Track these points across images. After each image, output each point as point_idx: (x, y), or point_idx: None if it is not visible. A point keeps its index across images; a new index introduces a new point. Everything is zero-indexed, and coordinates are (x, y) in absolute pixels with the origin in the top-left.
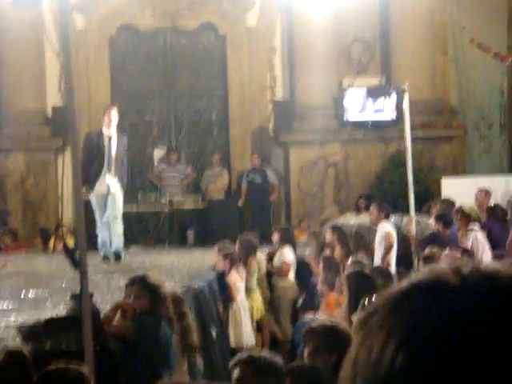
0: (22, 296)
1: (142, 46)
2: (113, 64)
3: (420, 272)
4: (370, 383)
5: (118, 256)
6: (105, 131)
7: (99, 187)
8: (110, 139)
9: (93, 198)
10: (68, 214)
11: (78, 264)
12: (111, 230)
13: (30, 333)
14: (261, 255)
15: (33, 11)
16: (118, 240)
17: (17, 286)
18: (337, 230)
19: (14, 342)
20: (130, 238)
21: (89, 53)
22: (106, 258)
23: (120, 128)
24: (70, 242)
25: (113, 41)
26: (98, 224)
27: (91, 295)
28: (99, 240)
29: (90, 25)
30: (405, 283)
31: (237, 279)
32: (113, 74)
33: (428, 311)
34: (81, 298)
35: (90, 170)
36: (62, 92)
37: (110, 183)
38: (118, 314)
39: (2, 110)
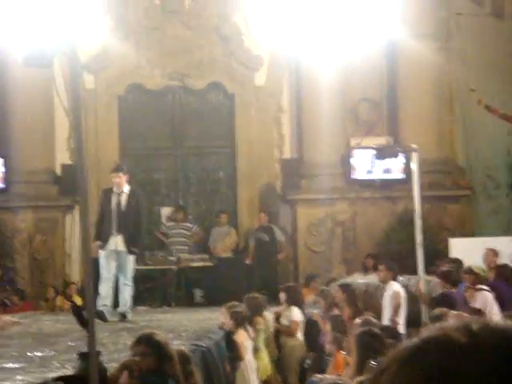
0: (29, 355)
1: (150, 105)
2: (122, 122)
3: (429, 329)
4: None
5: (123, 317)
6: (115, 189)
7: (108, 244)
8: (119, 196)
9: (101, 255)
10: (75, 272)
11: (85, 323)
12: (120, 290)
13: None
14: (268, 314)
15: (44, 71)
16: (125, 301)
17: (24, 345)
18: (346, 288)
19: None
20: (136, 297)
21: (98, 111)
22: (99, 313)
23: (132, 185)
24: (78, 301)
25: (122, 100)
26: (101, 280)
27: (98, 354)
28: (98, 296)
29: (99, 84)
30: (414, 340)
31: (244, 338)
32: (121, 132)
33: (437, 368)
34: (88, 357)
35: (101, 226)
36: (71, 150)
37: (118, 242)
38: (125, 374)
39: (11, 168)
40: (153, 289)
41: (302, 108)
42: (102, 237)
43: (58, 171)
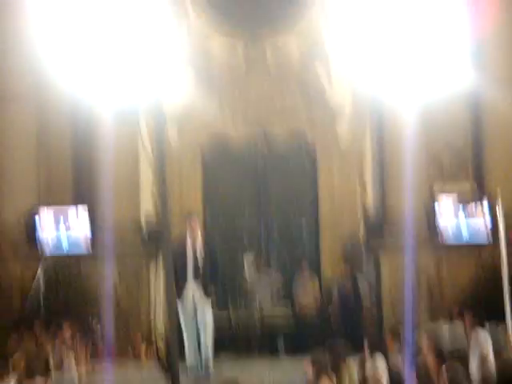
0: None
1: (233, 154)
2: (205, 172)
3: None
4: None
5: (206, 367)
6: (188, 240)
7: (185, 294)
8: (194, 247)
9: (179, 306)
10: (159, 320)
11: (171, 369)
12: (200, 339)
13: None
14: (352, 363)
15: (131, 125)
16: (206, 351)
17: None
18: (431, 337)
19: None
20: (220, 346)
21: (182, 164)
22: (192, 368)
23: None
24: (162, 348)
25: (205, 149)
26: (184, 333)
27: None
28: (186, 349)
29: (182, 135)
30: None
31: None
32: (204, 181)
33: None
34: None
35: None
36: (155, 202)
37: (196, 291)
38: None
39: (96, 217)
40: (236, 337)
41: (384, 155)
42: (178, 285)
43: (142, 220)
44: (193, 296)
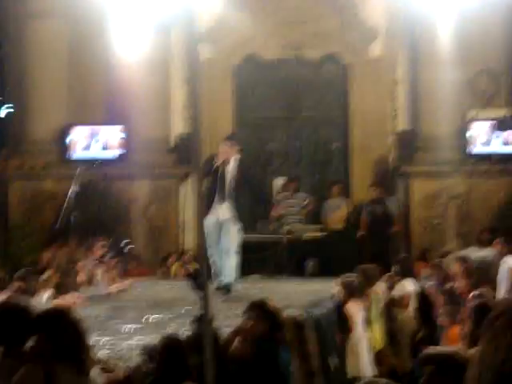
0: (144, 320)
1: (265, 76)
2: (237, 93)
3: None
4: (496, 380)
5: (227, 290)
6: (219, 163)
7: (210, 215)
8: (223, 165)
9: (205, 223)
10: (189, 240)
11: (201, 288)
12: (223, 261)
13: (153, 354)
14: (381, 286)
15: (161, 40)
16: (229, 273)
17: (139, 310)
18: (462, 261)
19: (136, 362)
20: (248, 266)
21: (213, 82)
22: (218, 288)
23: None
24: (192, 268)
25: (237, 70)
26: (210, 253)
27: (212, 318)
28: (212, 270)
29: (215, 55)
30: None
31: (356, 310)
32: (236, 102)
33: None
34: (203, 320)
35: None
36: (186, 120)
37: (221, 212)
38: (238, 339)
39: (129, 136)
40: (264, 259)
41: (417, 80)
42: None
43: (173, 140)
44: (220, 217)
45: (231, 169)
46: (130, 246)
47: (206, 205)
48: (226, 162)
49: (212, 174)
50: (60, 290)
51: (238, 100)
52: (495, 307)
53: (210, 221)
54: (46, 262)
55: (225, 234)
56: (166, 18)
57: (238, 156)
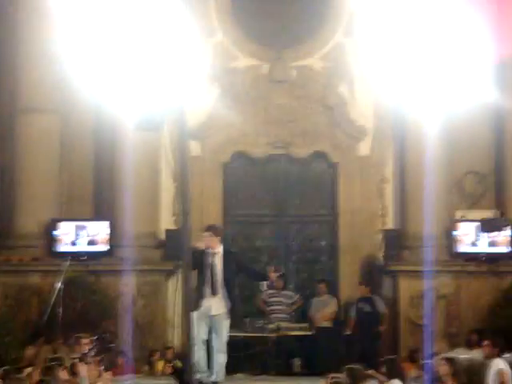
0: None
1: (254, 173)
2: (226, 190)
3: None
4: None
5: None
6: (207, 249)
7: (201, 310)
8: (213, 256)
9: (194, 317)
10: (177, 337)
11: None
12: (214, 357)
13: None
14: None
15: (152, 136)
16: (219, 370)
17: None
18: (450, 361)
19: None
20: (235, 364)
21: (203, 178)
22: (200, 383)
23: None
24: (178, 365)
25: (227, 167)
26: (195, 345)
27: None
28: (195, 362)
29: (205, 151)
30: None
31: None
32: (225, 199)
33: None
34: None
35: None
36: (175, 215)
37: (214, 306)
38: None
39: (116, 231)
40: (252, 356)
41: (405, 179)
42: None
43: (162, 235)
44: (212, 312)
45: (219, 260)
46: (112, 345)
47: (195, 299)
48: (213, 253)
49: (199, 266)
50: None
51: (228, 197)
52: None
53: (199, 315)
54: (29, 359)
55: (217, 330)
56: (156, 114)
57: (221, 247)
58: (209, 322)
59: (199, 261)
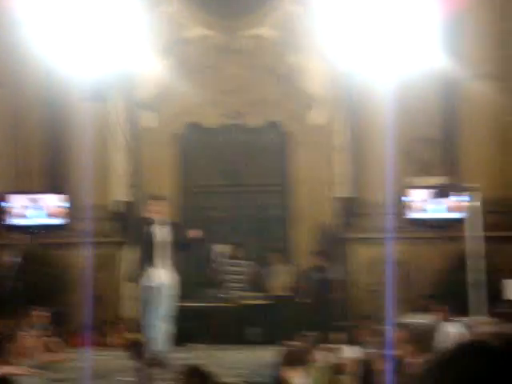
0: None
1: (208, 143)
2: (179, 161)
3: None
4: None
5: (163, 363)
6: (156, 219)
7: (149, 280)
8: (160, 227)
9: (143, 290)
10: (128, 308)
11: (140, 358)
12: (158, 327)
13: None
14: (321, 353)
15: (101, 106)
16: (164, 340)
17: (76, 382)
18: (404, 327)
19: None
20: (191, 334)
21: (157, 150)
22: (153, 359)
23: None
24: (129, 337)
25: (180, 138)
26: (148, 320)
27: None
28: (147, 336)
29: (158, 123)
30: (454, 345)
31: (296, 377)
32: (179, 170)
33: (473, 370)
34: None
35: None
36: (126, 187)
37: (161, 277)
38: None
39: (70, 204)
40: (208, 326)
41: (356, 147)
42: (143, 270)
43: (112, 207)
44: (159, 282)
45: (167, 232)
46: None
47: (142, 270)
48: (160, 224)
49: (146, 237)
50: None
51: (181, 168)
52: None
53: (147, 286)
54: None
55: (163, 300)
56: (104, 85)
57: (169, 218)
58: (157, 292)
59: (146, 232)
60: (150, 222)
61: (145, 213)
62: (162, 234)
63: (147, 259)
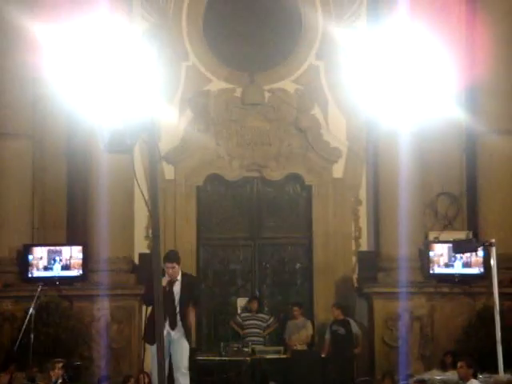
0: None
1: (228, 196)
2: (200, 213)
3: None
4: None
5: None
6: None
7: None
8: (171, 285)
9: (152, 350)
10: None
11: None
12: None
13: None
14: None
15: (124, 159)
16: None
17: None
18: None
19: None
20: None
21: (177, 201)
22: None
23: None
24: None
25: (200, 190)
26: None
27: None
28: None
29: (178, 175)
30: None
31: None
32: (199, 222)
33: None
34: None
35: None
36: (149, 240)
37: (172, 332)
38: None
39: (89, 256)
40: (227, 381)
41: (379, 201)
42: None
43: (136, 260)
44: (169, 342)
45: (178, 289)
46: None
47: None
48: (172, 283)
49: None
50: None
51: (201, 220)
52: None
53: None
54: None
55: (175, 353)
56: (127, 136)
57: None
58: (168, 349)
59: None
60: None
61: (163, 281)
62: (173, 291)
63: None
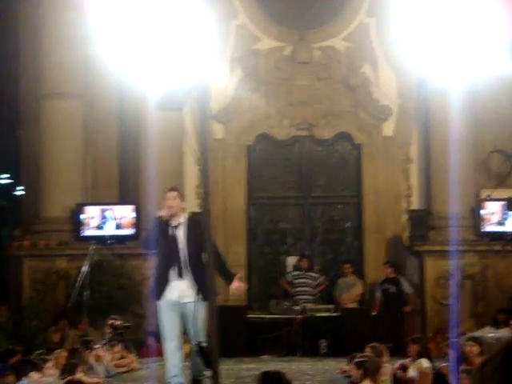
0: None
1: (278, 155)
2: (249, 172)
3: None
4: None
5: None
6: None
7: (166, 297)
8: (175, 228)
9: (160, 309)
10: None
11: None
12: (193, 355)
13: None
14: (388, 366)
15: (175, 117)
16: (198, 366)
17: None
18: (478, 341)
19: None
20: (261, 346)
21: (227, 161)
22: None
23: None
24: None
25: (250, 149)
26: (164, 342)
27: None
28: (166, 367)
29: (228, 134)
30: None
31: None
32: (249, 181)
33: None
34: None
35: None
36: (200, 199)
37: (183, 290)
38: None
39: (142, 214)
40: (277, 338)
41: (430, 159)
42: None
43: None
44: (178, 299)
45: (183, 232)
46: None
47: (159, 284)
48: (176, 223)
49: (162, 240)
50: (70, 369)
51: (251, 179)
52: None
53: (165, 305)
54: (56, 342)
55: (190, 320)
56: (178, 94)
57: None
58: (180, 312)
59: (163, 235)
60: (162, 223)
61: (160, 211)
62: (177, 235)
63: (164, 271)
